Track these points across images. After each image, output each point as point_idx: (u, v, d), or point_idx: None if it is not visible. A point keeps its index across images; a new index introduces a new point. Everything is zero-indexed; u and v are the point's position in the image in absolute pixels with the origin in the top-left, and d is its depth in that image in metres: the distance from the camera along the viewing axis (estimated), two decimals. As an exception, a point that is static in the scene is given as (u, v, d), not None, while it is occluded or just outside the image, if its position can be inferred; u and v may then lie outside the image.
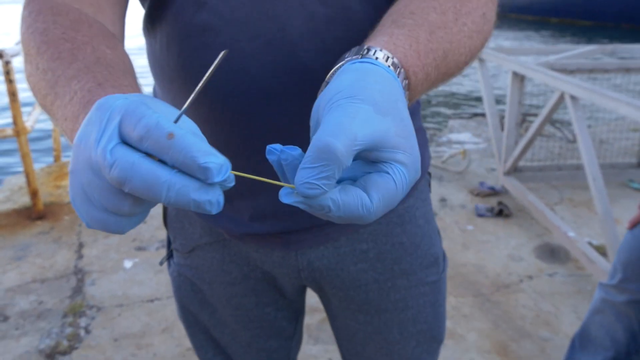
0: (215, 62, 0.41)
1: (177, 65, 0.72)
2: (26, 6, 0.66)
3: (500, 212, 3.11)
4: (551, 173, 3.48)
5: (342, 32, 0.68)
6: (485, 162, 3.98)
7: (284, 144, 0.45)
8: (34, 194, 3.14)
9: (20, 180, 3.71)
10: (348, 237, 0.84)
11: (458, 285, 2.46)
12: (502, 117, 4.01)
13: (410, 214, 0.87)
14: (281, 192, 0.44)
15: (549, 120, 3.11)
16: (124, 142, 0.39)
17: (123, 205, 0.41)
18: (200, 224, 0.89)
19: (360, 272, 0.86)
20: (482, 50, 0.66)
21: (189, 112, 0.72)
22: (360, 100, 0.44)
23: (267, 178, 0.45)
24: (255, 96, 0.70)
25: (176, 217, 0.92)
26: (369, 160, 0.45)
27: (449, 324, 2.20)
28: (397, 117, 0.45)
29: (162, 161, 0.39)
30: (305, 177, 0.41)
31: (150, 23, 0.76)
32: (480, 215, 3.12)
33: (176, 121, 0.41)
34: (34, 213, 3.18)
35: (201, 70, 0.70)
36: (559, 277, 2.52)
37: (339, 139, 0.41)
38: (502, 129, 3.66)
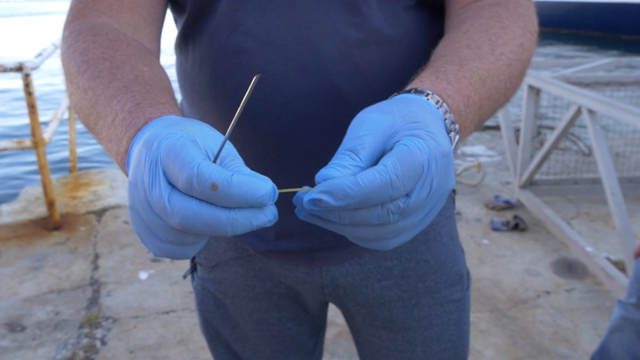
0: (250, 87, 0.42)
1: (209, 85, 0.73)
2: (67, 26, 0.69)
3: (516, 226, 3.09)
4: (567, 187, 3.46)
5: (374, 56, 0.69)
6: (500, 176, 3.97)
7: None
8: (50, 204, 3.16)
9: (37, 190, 3.74)
10: (372, 254, 0.84)
11: (474, 300, 2.44)
12: (516, 130, 4.00)
13: (435, 232, 0.86)
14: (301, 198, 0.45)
15: (566, 134, 3.10)
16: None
17: (186, 238, 0.43)
18: (225, 239, 0.89)
19: (384, 289, 0.86)
20: (524, 78, 0.67)
21: (221, 130, 0.73)
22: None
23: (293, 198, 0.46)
24: (288, 118, 0.70)
25: None
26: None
27: (465, 339, 2.18)
28: (403, 111, 0.47)
29: None
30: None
31: (184, 42, 0.77)
32: (495, 229, 3.10)
33: (216, 159, 0.43)
34: (51, 223, 3.20)
35: (234, 91, 0.70)
36: (577, 292, 2.50)
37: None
38: (517, 142, 3.65)
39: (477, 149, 4.63)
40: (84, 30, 0.65)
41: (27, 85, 2.94)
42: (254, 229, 0.42)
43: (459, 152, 4.58)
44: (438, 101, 0.52)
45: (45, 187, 3.12)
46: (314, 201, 0.42)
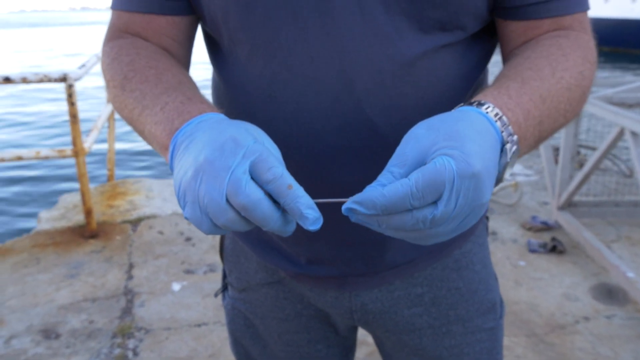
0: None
1: (242, 114, 0.73)
2: (107, 42, 0.75)
3: (554, 248, 3.01)
4: (608, 209, 3.36)
5: (408, 89, 0.68)
6: (537, 196, 3.89)
7: (345, 198, 0.53)
8: (88, 213, 3.22)
9: (75, 198, 3.82)
10: (403, 280, 0.83)
11: (510, 324, 2.38)
12: (554, 149, 3.91)
13: (467, 259, 0.85)
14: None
15: (607, 155, 3.02)
16: (252, 177, 0.51)
17: (228, 214, 0.51)
18: (256, 260, 0.89)
19: (414, 316, 0.85)
20: (584, 104, 0.68)
21: None
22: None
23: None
24: (320, 151, 0.70)
25: (232, 251, 0.93)
26: None
27: (500, 364, 2.13)
28: (449, 129, 0.51)
29: (271, 198, 0.52)
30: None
31: (216, 65, 0.78)
32: (532, 251, 3.03)
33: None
34: (87, 232, 3.26)
35: (267, 122, 0.71)
36: (617, 319, 2.42)
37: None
38: (556, 161, 3.57)
39: (515, 167, 4.55)
40: (125, 45, 0.72)
41: (70, 96, 3.01)
42: (274, 231, 0.52)
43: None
44: (497, 114, 0.55)
45: (83, 195, 3.18)
46: (349, 210, 0.50)
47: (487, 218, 0.92)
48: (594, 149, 4.07)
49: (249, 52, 0.70)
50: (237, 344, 0.98)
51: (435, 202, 0.49)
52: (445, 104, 0.69)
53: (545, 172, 3.53)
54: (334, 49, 0.65)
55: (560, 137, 3.26)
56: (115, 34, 0.75)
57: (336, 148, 0.69)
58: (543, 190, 3.95)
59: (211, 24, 0.73)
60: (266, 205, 0.50)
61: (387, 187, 0.48)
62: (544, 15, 0.68)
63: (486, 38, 0.74)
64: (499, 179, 0.56)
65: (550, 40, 0.67)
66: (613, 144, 2.82)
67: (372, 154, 0.69)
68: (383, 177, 0.51)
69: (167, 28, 0.74)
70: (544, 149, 3.49)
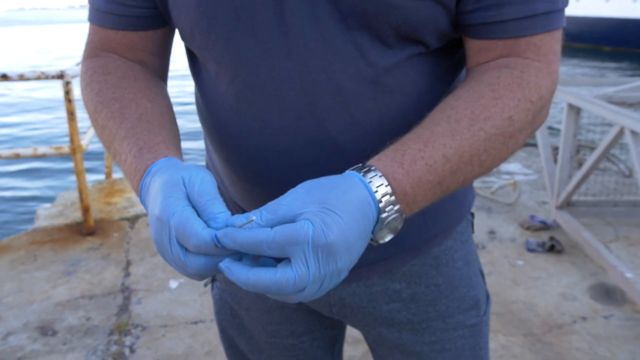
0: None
1: (215, 127, 0.76)
2: (83, 62, 0.80)
3: (552, 248, 3.01)
4: (606, 209, 3.36)
5: (371, 105, 0.68)
6: (536, 195, 3.88)
7: None
8: (85, 210, 3.21)
9: (73, 195, 3.81)
10: (381, 276, 0.84)
11: (507, 323, 2.38)
12: (554, 149, 3.91)
13: (448, 256, 0.85)
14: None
15: (606, 154, 3.01)
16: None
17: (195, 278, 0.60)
18: None
19: (392, 311, 0.86)
20: (513, 151, 0.67)
21: (229, 171, 0.79)
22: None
23: None
24: (286, 166, 0.71)
25: None
26: None
27: (498, 363, 2.12)
28: (324, 197, 0.56)
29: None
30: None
31: (194, 76, 0.80)
32: (530, 250, 3.02)
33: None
34: (85, 229, 3.25)
35: (236, 136, 0.73)
36: (615, 320, 2.41)
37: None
38: (555, 160, 3.57)
39: (513, 166, 4.54)
40: (97, 68, 0.75)
41: (68, 93, 3.00)
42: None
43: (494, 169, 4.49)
44: (381, 184, 0.58)
45: (81, 193, 3.17)
46: (216, 237, 0.54)
47: (472, 215, 0.92)
48: (593, 148, 4.07)
49: (215, 69, 0.71)
50: (225, 334, 1.00)
51: (289, 261, 0.53)
52: (409, 118, 0.69)
53: (544, 171, 3.52)
54: (294, 69, 0.65)
55: (560, 137, 3.25)
56: (92, 52, 0.78)
57: (301, 164, 0.71)
58: (542, 190, 3.95)
59: (183, 38, 0.75)
60: (211, 264, 0.57)
61: (251, 230, 0.53)
62: (497, 36, 0.65)
63: (453, 50, 0.72)
64: (375, 240, 0.60)
65: (490, 77, 0.65)
66: (612, 144, 2.81)
67: (338, 169, 0.69)
68: (253, 213, 0.55)
69: (141, 42, 0.77)
70: (542, 148, 3.49)
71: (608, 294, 2.62)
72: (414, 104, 0.70)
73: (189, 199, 0.57)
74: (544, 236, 3.18)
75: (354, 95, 0.67)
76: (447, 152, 0.61)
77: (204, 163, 0.95)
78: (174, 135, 0.70)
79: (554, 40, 0.67)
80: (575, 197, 3.33)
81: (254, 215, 0.55)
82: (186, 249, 0.56)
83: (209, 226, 0.55)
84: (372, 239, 0.60)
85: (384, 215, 0.58)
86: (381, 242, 0.61)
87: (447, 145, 0.61)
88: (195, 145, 6.73)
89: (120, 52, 0.78)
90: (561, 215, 3.25)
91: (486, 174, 0.67)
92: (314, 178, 0.70)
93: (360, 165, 0.61)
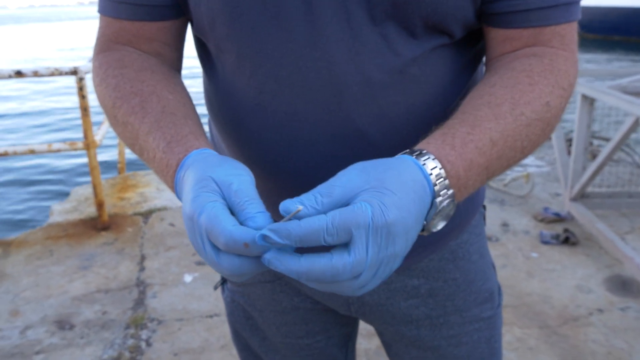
0: (289, 216, 0.51)
1: (232, 122, 0.74)
2: (96, 57, 0.76)
3: (566, 240, 2.99)
4: (621, 200, 3.33)
5: (398, 97, 0.67)
6: (549, 187, 3.86)
7: None
8: (100, 205, 3.24)
9: (87, 191, 3.84)
10: (399, 273, 0.83)
11: (522, 316, 2.37)
12: (567, 140, 3.88)
13: (464, 250, 0.85)
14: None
15: (621, 145, 2.99)
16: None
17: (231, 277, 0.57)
18: None
19: (411, 308, 0.85)
20: (549, 134, 0.67)
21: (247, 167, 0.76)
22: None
23: None
24: (310, 159, 0.70)
25: None
26: None
27: (513, 356, 2.12)
28: (379, 176, 0.53)
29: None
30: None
31: (206, 69, 0.77)
32: (544, 243, 3.01)
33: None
34: (100, 224, 3.28)
35: (257, 130, 0.71)
36: (631, 312, 2.40)
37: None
38: (568, 152, 3.54)
39: (526, 158, 4.52)
40: (112, 62, 0.72)
41: (81, 89, 3.02)
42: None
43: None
44: (435, 167, 0.56)
45: (95, 188, 3.19)
46: (263, 236, 0.50)
47: (484, 207, 0.92)
48: (607, 139, 4.03)
49: (235, 61, 0.69)
50: (238, 336, 0.99)
51: (347, 247, 0.50)
52: (436, 110, 0.69)
53: (557, 163, 3.50)
54: (321, 60, 0.64)
55: (574, 128, 3.22)
56: (105, 45, 0.75)
57: (326, 157, 0.69)
58: (555, 182, 3.93)
59: (199, 29, 0.72)
60: (246, 264, 0.54)
61: (304, 219, 0.50)
62: (522, 25, 0.66)
63: (474, 42, 0.73)
64: (426, 229, 0.58)
65: (522, 64, 0.66)
66: (627, 135, 2.79)
67: (363, 161, 0.69)
68: (307, 196, 0.52)
69: (158, 33, 0.74)
70: (556, 140, 3.46)
71: (624, 285, 2.61)
72: (439, 95, 0.70)
73: (224, 197, 0.54)
74: (558, 228, 3.16)
75: (382, 86, 0.66)
76: (494, 135, 0.60)
77: None
78: (199, 125, 0.68)
79: (574, 30, 0.68)
80: (589, 189, 3.30)
81: (300, 204, 0.51)
82: (219, 248, 0.53)
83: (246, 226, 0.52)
84: (423, 228, 0.58)
85: (439, 199, 0.56)
86: (433, 230, 0.58)
87: (493, 129, 0.60)
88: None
89: (135, 44, 0.75)
90: (575, 207, 3.23)
91: (523, 160, 0.67)
92: (338, 171, 0.70)
93: (409, 149, 0.58)
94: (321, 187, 0.53)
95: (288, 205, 0.51)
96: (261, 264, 0.53)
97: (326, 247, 0.51)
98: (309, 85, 0.66)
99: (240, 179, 0.55)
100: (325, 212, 0.51)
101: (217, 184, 0.55)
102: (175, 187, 0.61)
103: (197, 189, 0.54)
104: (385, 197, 0.51)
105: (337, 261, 0.50)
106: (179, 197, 0.60)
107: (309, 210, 0.51)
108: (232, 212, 0.54)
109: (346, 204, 0.52)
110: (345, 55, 0.64)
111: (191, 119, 0.67)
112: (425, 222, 0.57)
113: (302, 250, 0.52)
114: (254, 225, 0.52)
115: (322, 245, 0.50)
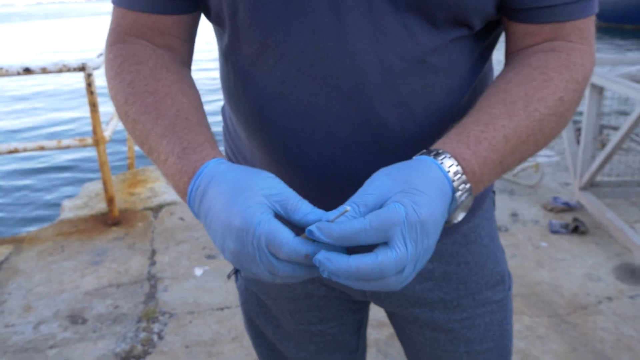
0: (338, 215, 0.56)
1: (253, 111, 0.74)
2: (109, 48, 0.76)
3: (576, 229, 2.99)
4: (631, 189, 3.32)
5: (417, 85, 0.69)
6: (559, 176, 3.84)
7: (356, 191, 0.58)
8: (110, 200, 3.26)
9: (97, 186, 3.87)
10: None
11: (532, 305, 2.37)
12: (576, 129, 3.85)
13: (476, 234, 0.87)
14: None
15: (630, 134, 2.97)
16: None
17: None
18: None
19: (425, 291, 0.87)
20: (562, 129, 0.70)
21: (267, 157, 0.77)
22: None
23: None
24: (332, 146, 0.71)
25: None
26: None
27: (523, 344, 2.12)
28: (405, 178, 0.58)
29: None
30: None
31: (226, 59, 0.78)
32: (554, 232, 3.00)
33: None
34: (110, 219, 3.30)
35: (279, 118, 0.72)
36: (641, 300, 2.39)
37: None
38: (577, 141, 3.52)
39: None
40: (127, 57, 0.73)
41: (90, 85, 3.04)
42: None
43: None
44: (451, 164, 0.60)
45: (105, 183, 3.22)
46: (310, 231, 0.55)
47: (493, 192, 0.94)
48: (616, 128, 4.01)
49: (257, 50, 0.70)
50: (252, 323, 1.01)
51: (388, 245, 0.54)
52: (453, 99, 0.72)
53: (566, 152, 3.49)
54: (344, 49, 0.66)
55: (583, 118, 3.21)
56: (119, 37, 0.75)
57: (348, 144, 0.71)
58: (564, 171, 3.91)
59: (217, 19, 0.73)
60: (303, 272, 0.58)
61: (346, 222, 0.55)
62: (544, 20, 0.68)
63: (489, 32, 0.74)
64: (449, 221, 0.63)
65: (538, 60, 0.68)
66: (637, 123, 2.77)
67: (383, 148, 0.71)
68: (342, 207, 0.57)
69: (173, 27, 0.75)
70: (565, 130, 3.44)
71: (633, 274, 2.60)
72: (456, 84, 0.71)
73: (269, 206, 0.58)
74: (568, 217, 3.16)
75: (403, 74, 0.67)
76: (507, 132, 0.64)
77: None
78: (211, 132, 0.69)
79: (593, 23, 0.71)
80: (598, 178, 3.29)
81: (347, 206, 0.56)
82: (277, 258, 0.57)
83: (305, 225, 0.57)
84: (447, 220, 0.62)
85: (458, 194, 0.60)
86: (455, 222, 0.63)
87: (507, 127, 0.64)
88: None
89: (149, 37, 0.75)
90: (584, 196, 3.22)
91: (538, 152, 0.70)
92: (361, 159, 0.72)
93: (425, 150, 0.62)
94: (355, 197, 0.57)
95: (333, 212, 0.57)
96: (313, 270, 0.57)
97: (367, 248, 0.55)
98: (331, 74, 0.67)
99: (279, 183, 0.60)
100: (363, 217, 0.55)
101: (261, 194, 0.58)
102: (189, 194, 0.63)
103: (243, 200, 0.57)
104: (415, 196, 0.55)
105: (382, 258, 0.54)
106: (190, 203, 0.63)
107: (343, 218, 0.56)
108: (281, 216, 0.58)
109: (380, 205, 0.56)
110: (367, 45, 0.65)
111: (205, 126, 0.69)
112: (447, 216, 0.61)
113: (349, 253, 0.56)
114: (314, 218, 0.57)
115: (363, 247, 0.55)
